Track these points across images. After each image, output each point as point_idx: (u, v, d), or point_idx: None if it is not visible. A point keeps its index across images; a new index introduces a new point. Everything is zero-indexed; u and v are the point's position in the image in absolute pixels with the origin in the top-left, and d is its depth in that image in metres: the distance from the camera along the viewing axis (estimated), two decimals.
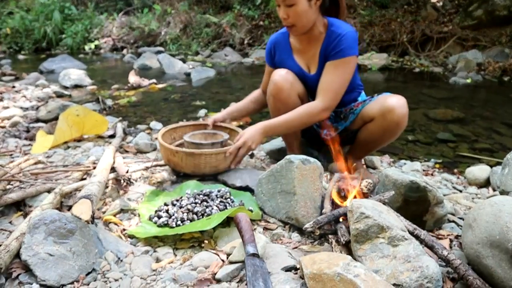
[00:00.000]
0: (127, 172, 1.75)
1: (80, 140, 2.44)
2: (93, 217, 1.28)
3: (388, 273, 1.02)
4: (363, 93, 1.94)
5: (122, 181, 1.71)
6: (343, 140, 1.99)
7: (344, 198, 1.41)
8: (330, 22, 1.72)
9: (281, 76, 1.75)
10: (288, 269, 1.13)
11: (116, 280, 1.14)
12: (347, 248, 1.22)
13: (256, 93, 2.10)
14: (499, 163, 2.14)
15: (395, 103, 1.65)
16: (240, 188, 1.67)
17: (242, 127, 2.88)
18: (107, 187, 1.69)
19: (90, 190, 1.40)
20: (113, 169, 1.78)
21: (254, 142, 1.73)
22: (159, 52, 6.91)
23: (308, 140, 2.10)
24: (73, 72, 4.53)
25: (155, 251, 1.28)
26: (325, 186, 1.56)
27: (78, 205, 1.28)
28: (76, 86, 4.39)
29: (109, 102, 3.61)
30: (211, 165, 1.71)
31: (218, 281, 1.10)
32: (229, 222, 1.40)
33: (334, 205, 1.39)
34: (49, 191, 1.58)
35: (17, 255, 1.15)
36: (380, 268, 1.04)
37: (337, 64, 1.67)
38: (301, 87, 1.81)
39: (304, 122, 1.74)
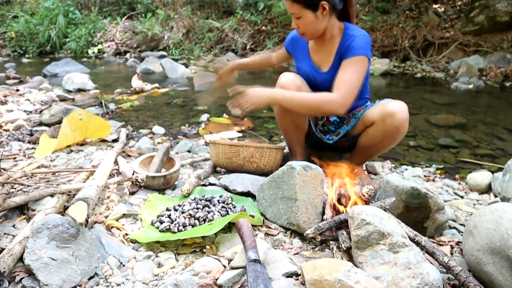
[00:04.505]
0: (133, 174, 1.77)
1: (83, 144, 2.45)
2: (87, 220, 1.29)
3: (389, 280, 1.02)
4: (368, 103, 1.96)
5: (131, 183, 1.73)
6: (345, 147, 2.00)
7: (345, 204, 1.42)
8: (346, 26, 1.78)
9: (289, 80, 1.78)
10: (289, 275, 1.13)
11: (118, 285, 1.15)
12: (348, 254, 1.22)
13: (267, 55, 2.21)
14: (500, 169, 2.14)
15: (395, 107, 1.66)
16: (242, 194, 1.68)
17: (243, 132, 2.90)
18: (109, 191, 1.70)
19: (87, 193, 1.41)
20: (118, 173, 1.79)
21: (254, 100, 1.67)
22: (162, 56, 6.94)
23: (310, 146, 2.11)
24: (77, 76, 4.55)
25: (157, 256, 1.28)
26: (327, 192, 1.57)
27: (74, 207, 1.29)
28: (79, 90, 4.42)
29: (112, 106, 3.63)
30: (226, 156, 1.88)
31: (220, 286, 1.10)
32: (230, 227, 1.41)
33: (336, 211, 1.39)
34: (52, 195, 1.59)
35: (21, 259, 1.16)
36: (381, 275, 1.04)
37: (350, 61, 1.70)
38: (308, 91, 1.83)
39: (316, 107, 1.66)
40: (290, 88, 1.76)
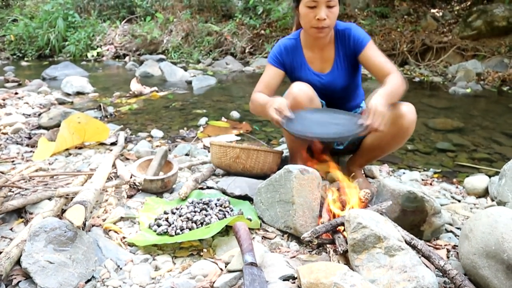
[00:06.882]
0: (131, 177, 1.77)
1: (81, 147, 2.46)
2: (84, 224, 1.29)
3: (385, 283, 1.03)
4: (364, 102, 1.97)
5: (129, 186, 1.74)
6: (350, 150, 2.01)
7: (342, 207, 1.42)
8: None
9: (302, 91, 1.71)
10: (286, 278, 1.13)
11: None
12: (345, 257, 1.23)
13: (266, 92, 1.86)
14: (498, 173, 2.14)
15: (405, 109, 1.69)
16: (240, 197, 1.68)
17: (242, 135, 2.91)
18: (107, 194, 1.71)
19: (85, 196, 1.42)
20: (117, 176, 1.79)
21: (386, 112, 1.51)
22: (161, 60, 6.95)
23: (310, 151, 2.11)
24: (75, 79, 4.55)
25: (154, 259, 1.29)
26: (324, 196, 1.57)
27: (71, 210, 1.30)
28: (78, 93, 4.42)
29: (111, 109, 3.63)
30: (217, 156, 1.90)
31: None
32: (228, 230, 1.41)
33: (332, 215, 1.40)
34: (50, 198, 1.59)
35: (18, 262, 1.17)
36: (377, 278, 1.05)
37: (368, 49, 1.73)
38: (318, 103, 1.80)
39: (403, 88, 1.65)
40: (302, 99, 1.68)
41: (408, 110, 1.69)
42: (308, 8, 1.67)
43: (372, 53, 1.73)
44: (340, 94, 1.84)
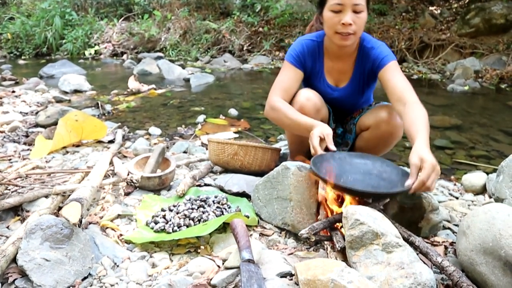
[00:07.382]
0: (128, 174, 1.77)
1: (78, 145, 2.45)
2: (81, 221, 1.29)
3: (382, 280, 1.02)
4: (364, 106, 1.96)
5: (126, 183, 1.74)
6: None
7: (340, 204, 1.42)
8: (362, 36, 1.67)
9: (309, 101, 1.64)
10: (283, 275, 1.13)
11: (112, 285, 1.14)
12: (343, 254, 1.23)
13: (287, 99, 1.70)
14: (495, 170, 2.14)
15: (388, 114, 1.66)
16: (237, 194, 1.68)
17: (240, 132, 2.91)
18: (104, 191, 1.70)
19: (82, 193, 1.41)
20: (114, 174, 1.79)
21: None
22: (158, 57, 6.94)
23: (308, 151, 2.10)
24: (73, 77, 4.54)
25: (151, 257, 1.28)
26: (321, 192, 1.57)
27: (68, 207, 1.29)
28: (76, 91, 4.41)
29: (108, 107, 3.62)
30: (215, 153, 1.89)
31: (214, 286, 1.10)
32: (225, 228, 1.41)
33: (330, 211, 1.40)
34: (46, 196, 1.59)
35: (14, 260, 1.16)
36: (374, 275, 1.04)
37: (388, 69, 1.58)
38: (326, 112, 1.74)
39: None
40: (309, 110, 1.61)
41: (392, 115, 1.64)
42: (332, 12, 1.53)
43: (392, 75, 1.57)
44: (348, 107, 1.81)
